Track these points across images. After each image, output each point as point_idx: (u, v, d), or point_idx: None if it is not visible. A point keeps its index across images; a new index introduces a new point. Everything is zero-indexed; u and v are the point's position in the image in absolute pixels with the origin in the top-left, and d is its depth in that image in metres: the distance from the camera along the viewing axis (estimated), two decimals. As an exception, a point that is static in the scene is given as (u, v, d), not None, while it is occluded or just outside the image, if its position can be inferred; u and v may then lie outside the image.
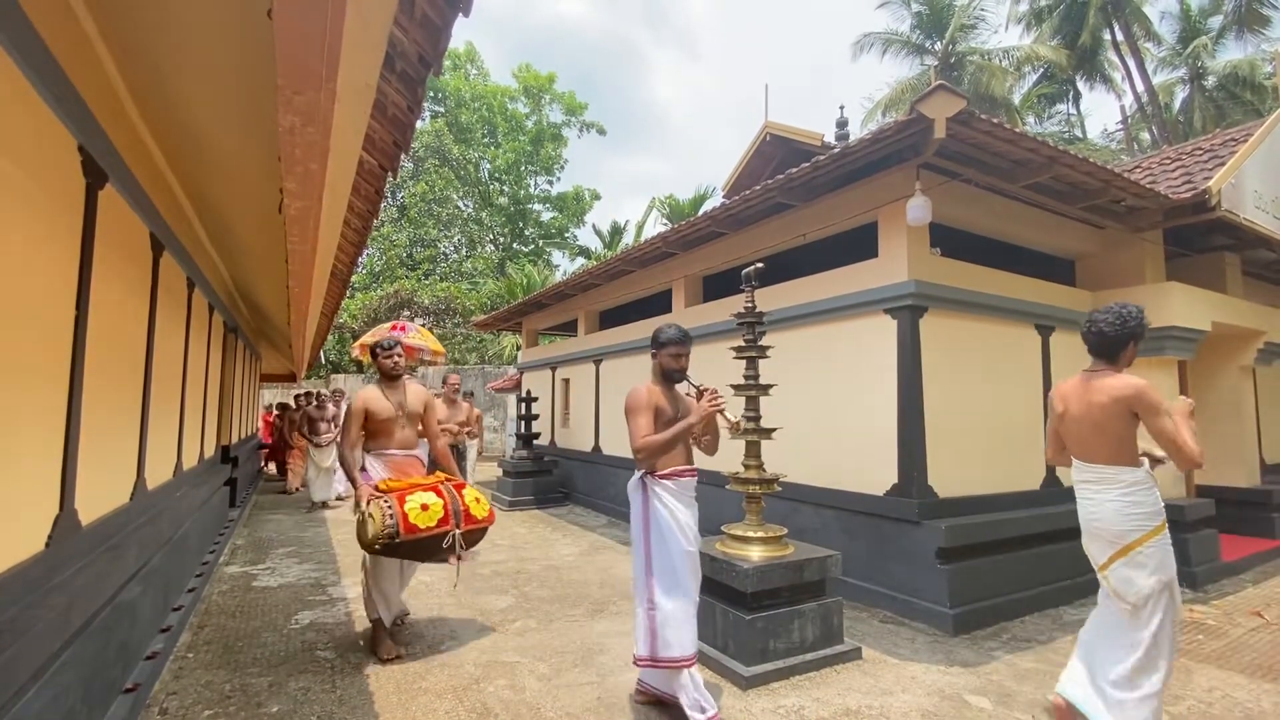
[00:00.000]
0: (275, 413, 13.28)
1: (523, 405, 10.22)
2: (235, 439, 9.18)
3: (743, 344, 3.91)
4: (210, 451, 6.82)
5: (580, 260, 25.65)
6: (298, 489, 10.26)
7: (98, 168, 2.66)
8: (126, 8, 2.08)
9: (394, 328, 8.46)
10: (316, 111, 1.37)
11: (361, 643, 3.85)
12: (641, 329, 7.99)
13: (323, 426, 9.37)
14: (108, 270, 2.93)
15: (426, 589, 4.96)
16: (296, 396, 10.86)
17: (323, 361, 20.62)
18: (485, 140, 28.68)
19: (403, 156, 2.40)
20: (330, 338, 22.09)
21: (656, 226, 22.80)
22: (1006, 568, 4.50)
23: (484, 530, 3.77)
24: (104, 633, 2.77)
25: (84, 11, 2.23)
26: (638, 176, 66.20)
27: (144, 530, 3.58)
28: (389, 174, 2.47)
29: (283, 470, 11.54)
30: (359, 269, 22.94)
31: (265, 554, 6.23)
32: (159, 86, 2.58)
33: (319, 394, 10.32)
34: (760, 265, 4.00)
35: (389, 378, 4.03)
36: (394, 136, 2.16)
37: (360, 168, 2.30)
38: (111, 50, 2.47)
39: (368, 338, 8.08)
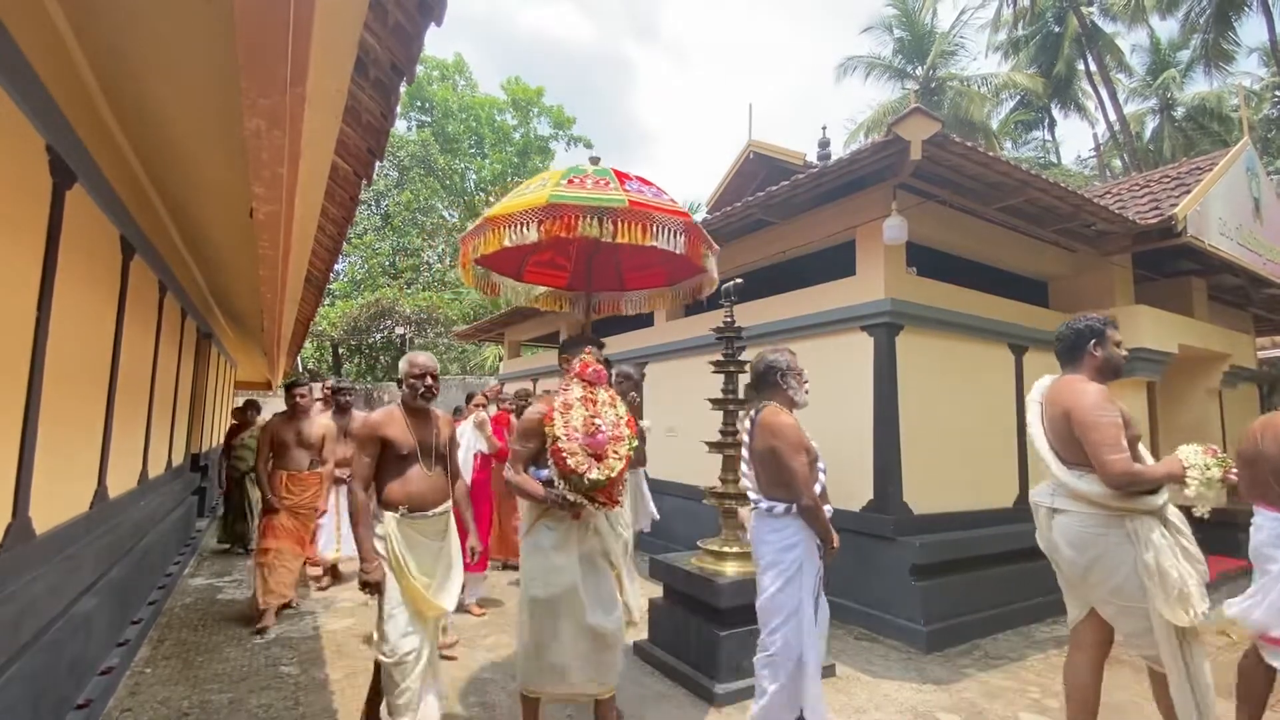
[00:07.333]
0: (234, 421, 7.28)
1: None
2: (206, 447, 8.99)
3: (721, 359, 3.93)
4: (179, 459, 6.66)
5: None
6: (279, 606, 4.46)
7: (66, 167, 2.61)
8: (99, 5, 2.05)
9: (619, 177, 2.90)
10: (283, 115, 1.36)
11: (326, 655, 3.76)
12: (623, 342, 7.99)
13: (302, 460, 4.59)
14: (73, 272, 2.86)
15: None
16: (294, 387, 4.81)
17: (300, 370, 20.33)
18: (472, 151, 28.69)
19: (385, 165, 2.37)
20: (309, 345, 21.81)
21: (641, 240, 22.80)
22: (979, 585, 4.53)
23: None
24: (56, 646, 2.67)
25: (56, 9, 2.20)
26: (624, 191, 66.42)
27: (103, 540, 3.48)
28: (364, 180, 2.45)
29: (236, 526, 6.60)
30: (339, 276, 22.75)
31: (232, 565, 6.08)
32: (133, 86, 2.55)
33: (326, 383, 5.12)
34: (739, 280, 4.02)
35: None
36: (368, 143, 2.14)
37: (334, 173, 2.27)
38: (84, 48, 2.44)
39: (516, 204, 2.74)
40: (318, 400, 6.57)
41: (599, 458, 2.55)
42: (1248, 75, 19.66)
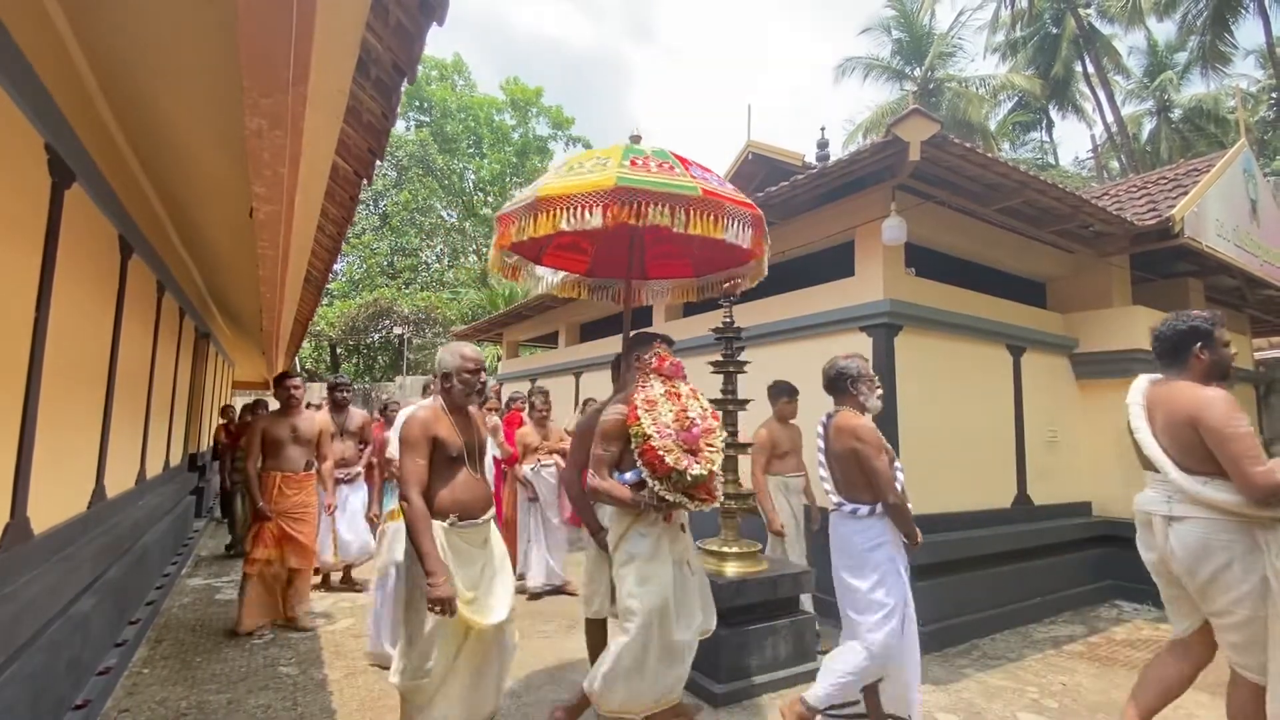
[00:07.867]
0: (223, 424, 7.73)
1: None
2: (204, 447, 8.98)
3: (721, 359, 3.93)
4: (177, 459, 6.66)
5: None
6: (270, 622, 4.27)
7: (65, 167, 2.61)
8: (98, 5, 2.05)
9: (681, 162, 2.74)
10: (284, 115, 1.36)
11: (325, 656, 3.76)
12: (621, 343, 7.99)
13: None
14: (72, 271, 2.85)
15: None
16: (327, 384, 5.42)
17: (299, 370, 20.31)
18: (470, 151, 28.71)
19: (383, 165, 2.37)
20: (307, 345, 21.79)
21: (640, 241, 22.82)
22: (978, 585, 4.54)
23: None
24: (54, 646, 2.67)
25: (55, 9, 2.19)
26: (623, 191, 66.53)
27: (101, 540, 3.47)
28: (364, 181, 2.45)
29: (233, 530, 6.49)
30: (338, 276, 22.74)
31: (231, 565, 6.06)
32: (132, 85, 2.55)
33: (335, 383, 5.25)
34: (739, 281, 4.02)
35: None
36: (369, 143, 2.14)
37: (334, 173, 2.27)
38: (84, 48, 2.43)
39: (574, 184, 2.46)
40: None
41: (694, 452, 2.40)
42: (1244, 77, 19.75)
